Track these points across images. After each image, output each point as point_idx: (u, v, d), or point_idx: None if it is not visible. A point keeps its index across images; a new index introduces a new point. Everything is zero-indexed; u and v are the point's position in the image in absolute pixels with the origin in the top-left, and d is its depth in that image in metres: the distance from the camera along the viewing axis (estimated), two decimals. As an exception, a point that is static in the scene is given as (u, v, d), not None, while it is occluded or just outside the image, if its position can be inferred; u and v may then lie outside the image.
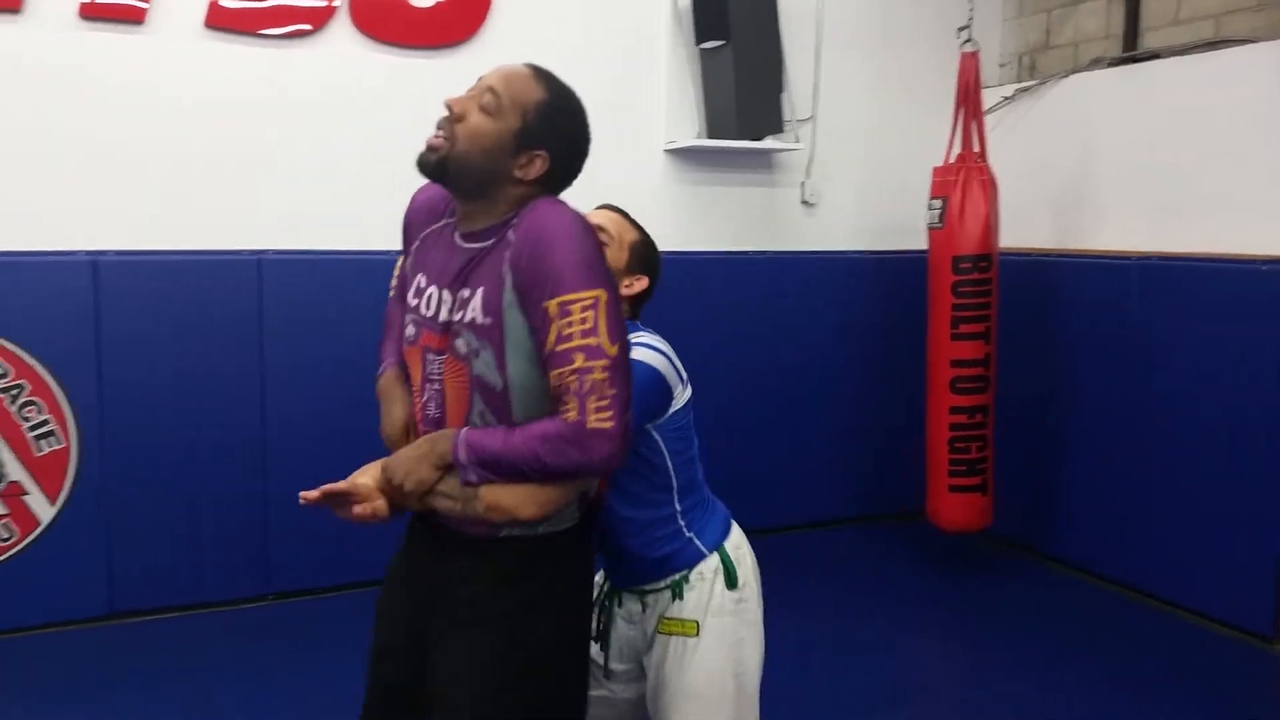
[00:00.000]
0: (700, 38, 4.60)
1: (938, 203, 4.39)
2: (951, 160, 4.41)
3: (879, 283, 5.12)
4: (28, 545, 3.81)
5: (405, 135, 4.20)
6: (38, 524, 3.81)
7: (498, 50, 4.36)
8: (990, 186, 4.33)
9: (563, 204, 1.67)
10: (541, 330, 1.54)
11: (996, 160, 4.39)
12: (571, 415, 1.50)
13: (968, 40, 4.34)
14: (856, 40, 5.04)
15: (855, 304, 5.11)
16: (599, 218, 2.05)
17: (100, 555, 3.89)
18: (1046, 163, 4.83)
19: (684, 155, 4.78)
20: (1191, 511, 4.07)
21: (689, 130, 4.75)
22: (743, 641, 2.00)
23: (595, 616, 2.02)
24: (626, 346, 1.56)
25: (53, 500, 3.82)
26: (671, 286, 2.42)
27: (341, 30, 4.11)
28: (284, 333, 4.08)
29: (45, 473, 3.81)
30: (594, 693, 2.05)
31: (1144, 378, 4.25)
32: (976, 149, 4.36)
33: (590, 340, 1.49)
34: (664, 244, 4.91)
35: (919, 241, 4.59)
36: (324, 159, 4.15)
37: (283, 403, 4.10)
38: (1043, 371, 4.74)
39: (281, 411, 4.10)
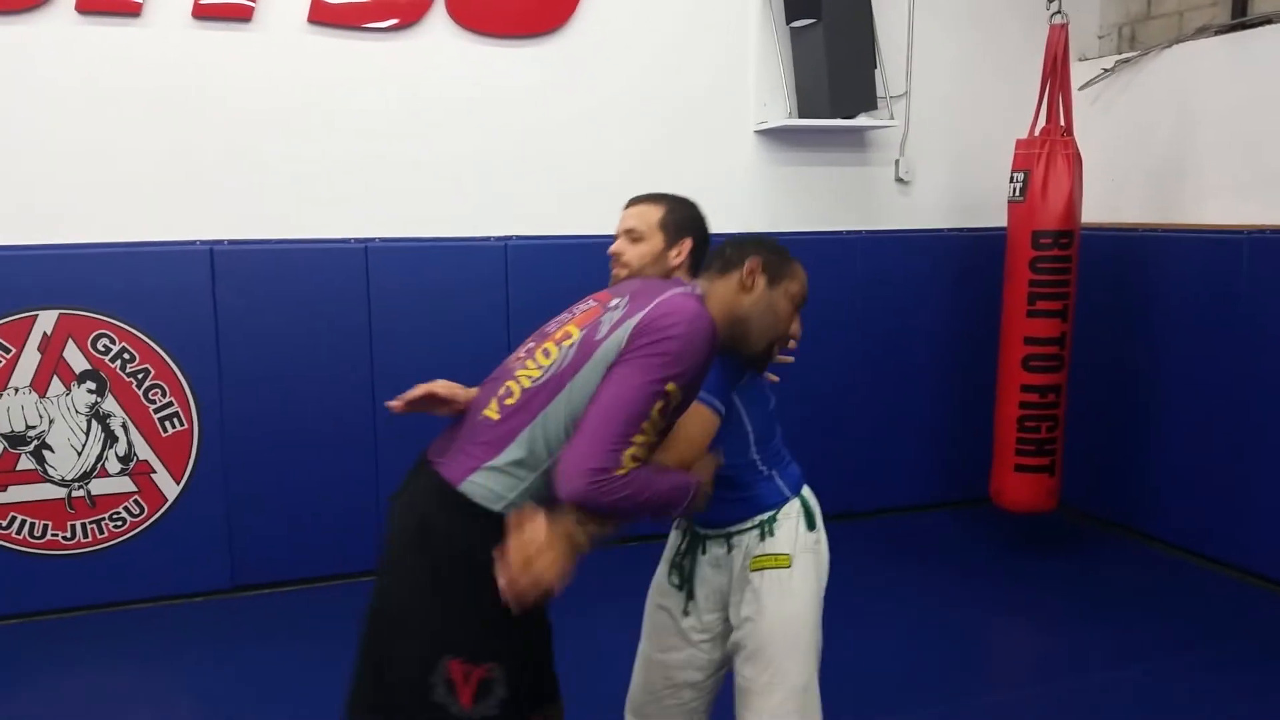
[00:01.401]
0: (791, 16, 4.60)
1: (1019, 176, 4.33)
2: (1036, 134, 4.34)
3: (967, 259, 5.07)
4: (155, 521, 4.03)
5: (499, 123, 4.38)
6: (164, 501, 4.04)
7: (588, 38, 4.43)
8: (1074, 160, 4.25)
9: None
10: None
11: (1094, 134, 4.32)
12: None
13: (1057, 12, 4.26)
14: (949, 14, 4.98)
15: (947, 282, 5.06)
16: (626, 219, 2.24)
17: (222, 531, 4.11)
18: (1146, 135, 4.72)
19: (775, 135, 4.79)
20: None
21: (780, 110, 4.75)
22: (820, 578, 2.17)
23: (676, 569, 2.22)
24: None
25: (178, 479, 4.04)
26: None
27: (438, 22, 4.23)
28: (391, 317, 4.23)
29: (170, 453, 4.03)
30: (679, 654, 2.23)
31: (1251, 354, 4.14)
32: (1062, 122, 4.28)
33: None
34: (755, 225, 4.99)
35: (1003, 218, 4.53)
36: (421, 149, 4.28)
37: (391, 385, 4.22)
38: (1134, 348, 4.65)
39: (390, 394, 4.23)
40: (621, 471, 1.70)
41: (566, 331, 1.89)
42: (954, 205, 5.11)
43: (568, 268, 4.40)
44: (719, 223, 4.76)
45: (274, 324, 4.10)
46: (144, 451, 4.00)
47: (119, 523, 4.00)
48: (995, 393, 4.50)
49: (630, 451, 1.72)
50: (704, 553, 2.18)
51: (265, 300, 4.09)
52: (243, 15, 3.97)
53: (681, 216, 2.21)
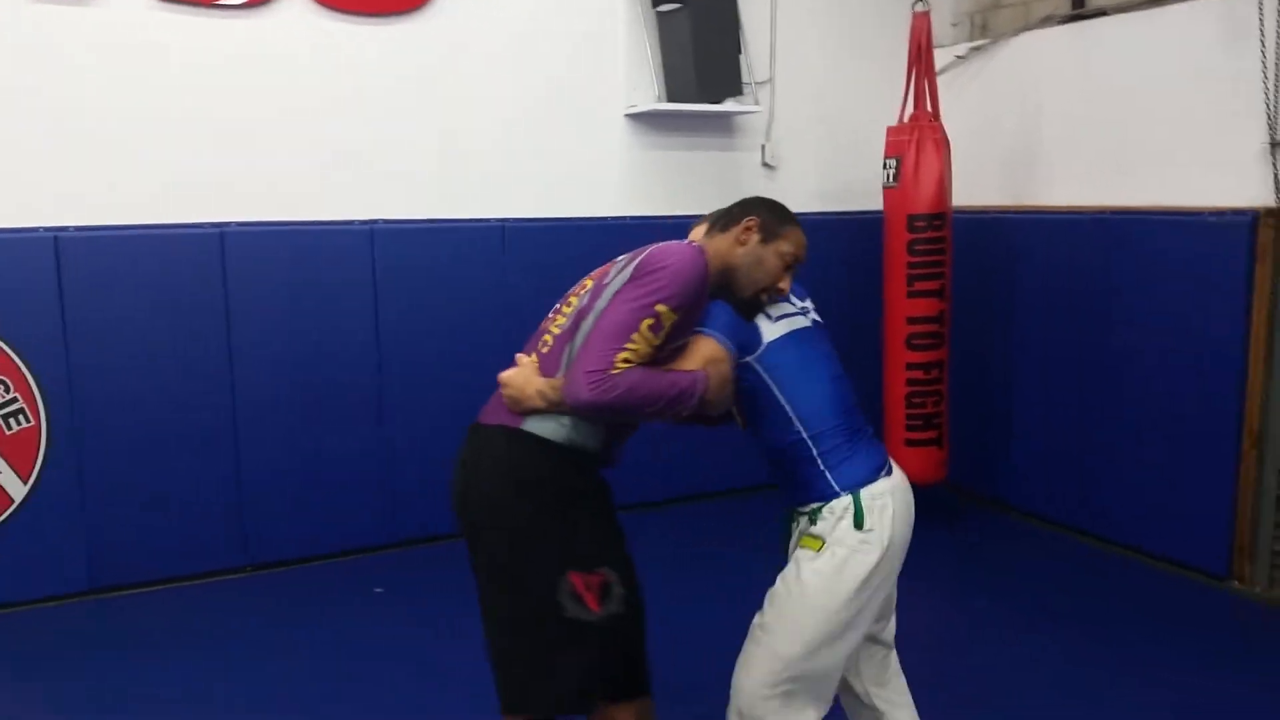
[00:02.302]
0: (657, 0, 4.62)
1: (892, 162, 4.46)
2: (905, 120, 4.48)
3: (839, 244, 5.19)
4: (2, 523, 3.82)
5: (351, 102, 4.27)
6: (11, 503, 3.82)
7: (453, 17, 4.37)
8: (943, 145, 4.41)
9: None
10: None
11: (950, 119, 4.47)
12: None
13: (919, 0, 4.40)
14: (812, 1, 5.08)
15: (818, 266, 5.14)
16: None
17: (79, 531, 3.92)
18: (998, 121, 4.92)
19: (644, 119, 4.81)
20: (1147, 459, 4.21)
21: (649, 94, 4.78)
22: (853, 575, 2.14)
23: (782, 539, 2.34)
24: None
25: (25, 478, 3.83)
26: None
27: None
28: (249, 303, 4.10)
29: (15, 451, 3.81)
30: None
31: (1099, 328, 4.37)
32: (929, 108, 4.43)
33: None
34: (625, 209, 5.01)
35: (877, 202, 4.66)
36: (278, 130, 4.15)
37: (251, 378, 4.12)
38: (996, 326, 4.86)
39: (250, 386, 4.12)
40: (615, 371, 1.96)
41: (583, 284, 2.18)
42: (823, 190, 5.23)
43: (433, 252, 4.36)
44: (590, 206, 4.84)
45: (125, 313, 3.92)
46: (-14, 451, 3.78)
47: (-40, 527, 3.78)
48: (882, 371, 4.64)
49: (622, 355, 1.97)
50: (795, 522, 2.28)
51: (115, 288, 3.90)
52: (85, -11, 3.77)
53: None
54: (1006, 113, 4.89)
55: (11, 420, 3.80)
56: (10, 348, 3.76)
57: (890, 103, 4.56)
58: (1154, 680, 3.31)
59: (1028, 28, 4.84)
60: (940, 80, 4.54)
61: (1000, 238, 4.83)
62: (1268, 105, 3.76)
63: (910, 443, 4.52)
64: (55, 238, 3.80)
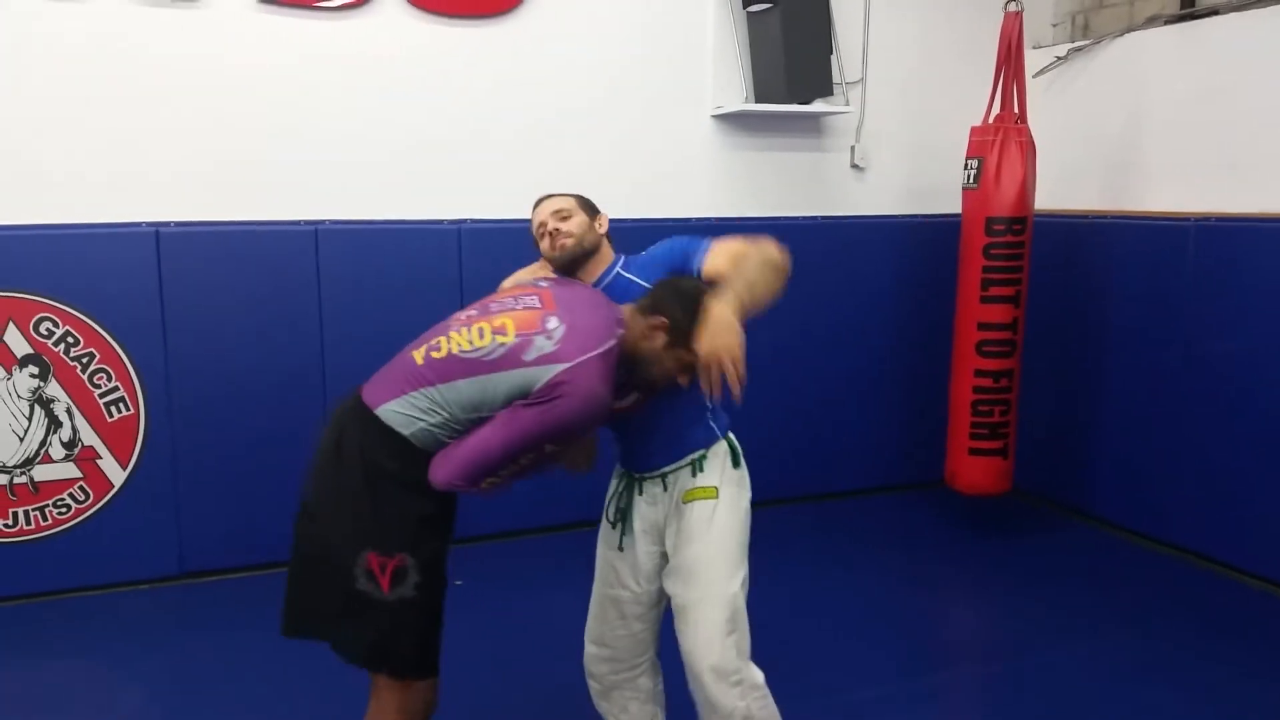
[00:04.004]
0: (747, 0, 4.59)
1: (973, 163, 4.36)
2: (990, 121, 4.38)
3: (923, 246, 5.10)
4: (101, 508, 3.96)
5: (449, 103, 4.33)
6: (111, 487, 3.97)
7: (543, 19, 4.40)
8: (1028, 148, 4.29)
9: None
10: None
11: (1047, 121, 4.36)
12: None
13: (1012, 0, 4.29)
14: (905, 1, 4.99)
15: (901, 268, 5.10)
16: (548, 205, 2.48)
17: (170, 517, 4.05)
18: (1099, 123, 4.77)
19: (732, 120, 4.78)
20: (1239, 471, 4.05)
21: (736, 95, 4.74)
22: (745, 509, 2.43)
23: (615, 508, 2.50)
24: None
25: (124, 465, 3.97)
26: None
27: (390, 1, 4.17)
28: (341, 300, 4.18)
29: (116, 438, 3.95)
30: (624, 591, 2.49)
31: (1195, 336, 4.21)
32: (1016, 110, 4.32)
33: None
34: (710, 210, 4.99)
35: (959, 204, 4.56)
36: (374, 131, 4.22)
37: (341, 368, 4.20)
38: (1084, 332, 4.72)
39: (339, 377, 4.20)
40: (476, 488, 2.16)
41: (504, 325, 2.16)
42: (909, 191, 5.14)
43: (521, 253, 4.38)
44: (675, 208, 4.83)
45: (222, 307, 4.03)
46: (89, 437, 3.92)
47: (63, 509, 3.92)
48: (949, 377, 4.54)
49: (490, 480, 2.16)
50: (640, 493, 2.46)
51: (213, 283, 4.02)
52: (189, -8, 3.90)
53: (588, 202, 2.49)
54: (1108, 114, 4.73)
55: (113, 408, 3.94)
56: (113, 339, 3.90)
57: (979, 104, 4.45)
58: (1226, 697, 3.18)
59: (1132, 28, 4.68)
60: (1039, 81, 4.43)
61: (1094, 242, 4.69)
62: (1390, 108, 3.58)
63: (974, 451, 4.42)
64: (157, 233, 3.93)
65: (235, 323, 4.06)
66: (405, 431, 2.15)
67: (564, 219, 2.41)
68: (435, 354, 2.18)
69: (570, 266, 2.42)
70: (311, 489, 2.27)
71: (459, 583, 4.03)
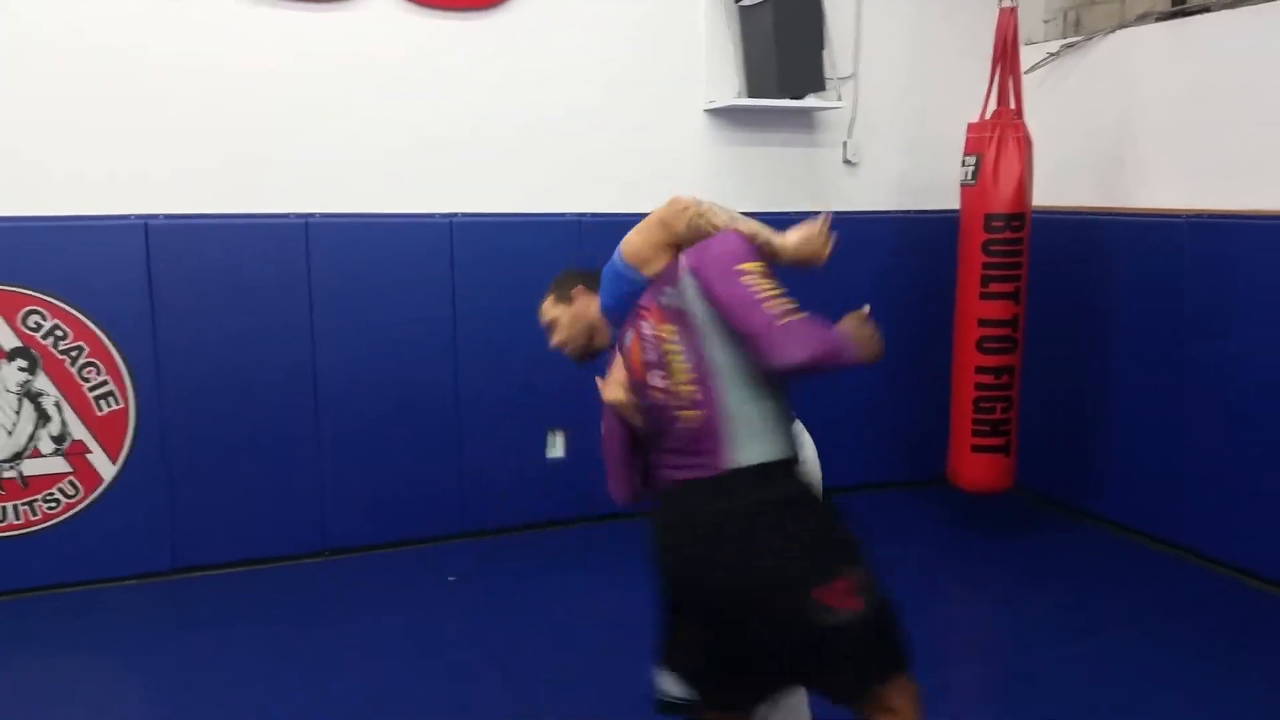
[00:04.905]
0: (740, -5, 4.59)
1: (971, 159, 4.36)
2: (987, 117, 4.38)
3: (917, 242, 5.10)
4: (92, 503, 3.94)
5: (442, 99, 4.31)
6: (101, 481, 3.95)
7: (534, 13, 4.38)
8: (1025, 144, 4.29)
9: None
10: None
11: (1040, 117, 4.36)
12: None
13: (1007, -4, 4.30)
14: (898, -3, 5.00)
15: (895, 265, 5.09)
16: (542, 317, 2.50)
17: (163, 512, 4.03)
18: (1090, 119, 4.78)
19: (724, 115, 4.78)
20: (1238, 469, 4.06)
21: (729, 90, 4.74)
22: None
23: None
24: None
25: (114, 459, 3.95)
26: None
27: (384, -6, 4.16)
28: (332, 293, 4.17)
29: (106, 432, 3.93)
30: None
31: (1191, 333, 4.22)
32: (1013, 106, 4.32)
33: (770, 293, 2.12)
34: (706, 205, 4.90)
35: (957, 200, 4.56)
36: (364, 124, 4.21)
37: (332, 361, 4.19)
38: (1083, 329, 4.72)
39: (331, 371, 4.19)
40: (797, 315, 2.03)
41: (658, 332, 2.13)
42: (903, 187, 5.14)
43: (513, 245, 4.38)
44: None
45: (212, 300, 4.01)
46: (79, 431, 3.90)
47: (53, 504, 3.90)
48: (951, 374, 4.54)
49: (781, 304, 2.04)
50: None
51: (203, 276, 4.00)
52: (182, -17, 3.87)
53: (562, 293, 2.46)
54: (1099, 111, 4.74)
55: (103, 402, 3.92)
56: (103, 332, 3.88)
57: (974, 100, 4.45)
58: (1229, 698, 3.18)
59: (1124, 25, 4.69)
60: (1031, 78, 4.42)
61: (1089, 239, 4.69)
62: (1380, 106, 3.59)
63: (976, 448, 4.41)
64: (146, 225, 3.91)
65: (226, 316, 4.03)
66: (776, 455, 2.09)
67: (551, 334, 2.45)
68: (692, 401, 2.07)
69: (592, 356, 2.45)
70: (727, 599, 2.06)
71: (452, 579, 4.08)
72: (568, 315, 2.41)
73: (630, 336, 2.20)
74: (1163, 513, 4.42)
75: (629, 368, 2.19)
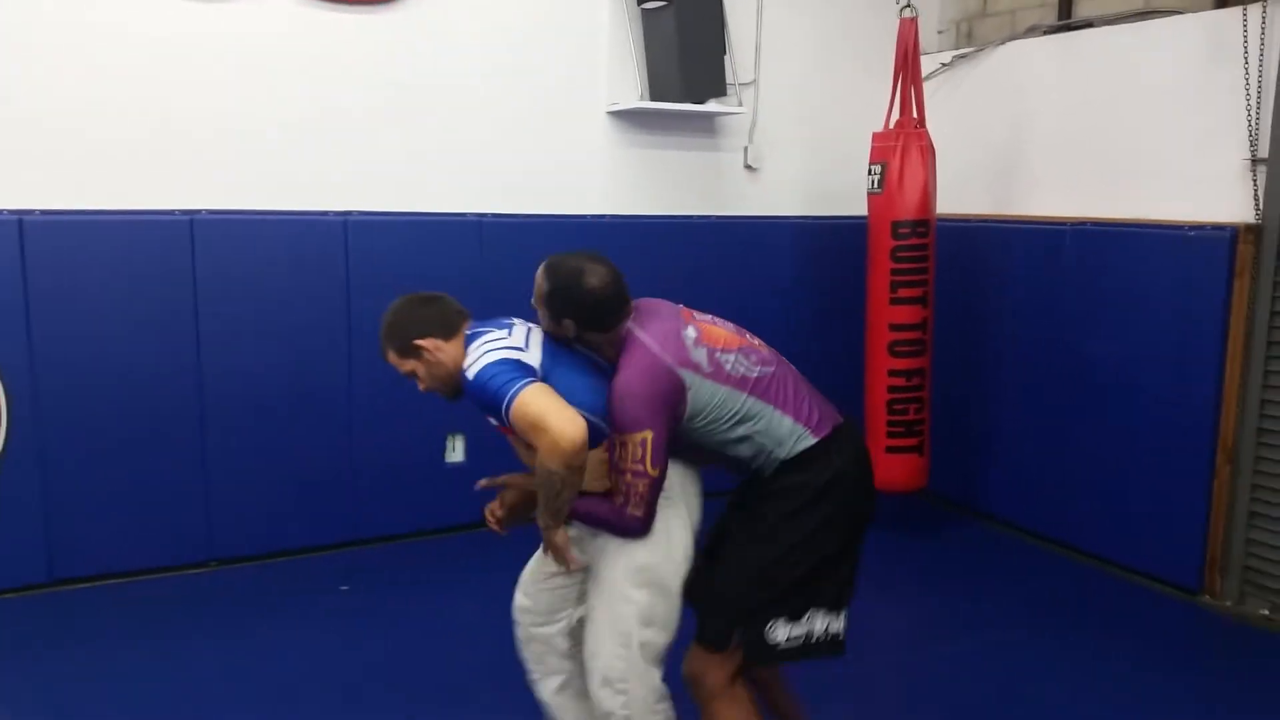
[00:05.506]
0: (642, -2, 4.59)
1: (877, 168, 4.44)
2: (891, 126, 4.46)
3: (821, 248, 5.17)
4: (-41, 513, 3.74)
5: (323, 92, 4.20)
6: (-32, 491, 3.74)
7: (432, 8, 4.31)
8: (929, 152, 4.39)
9: (635, 348, 2.27)
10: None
11: (934, 127, 4.45)
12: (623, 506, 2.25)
13: (906, 5, 4.37)
14: (799, 4, 5.05)
15: (798, 269, 5.16)
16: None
17: (38, 520, 3.84)
18: (983, 129, 4.91)
19: (627, 117, 4.77)
20: (1122, 471, 4.21)
21: (631, 92, 4.73)
22: (670, 530, 2.39)
23: None
24: (664, 471, 2.24)
25: (-16, 467, 3.75)
26: (613, 250, 2.48)
27: (277, -14, 4.03)
28: (220, 294, 4.02)
29: (-25, 439, 3.73)
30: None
31: (1078, 339, 4.36)
32: (915, 115, 4.41)
33: (638, 466, 2.19)
34: (606, 207, 4.96)
35: (861, 207, 4.63)
36: (256, 118, 4.08)
37: (218, 365, 4.05)
38: (977, 335, 4.85)
39: (218, 374, 4.05)
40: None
41: (750, 344, 2.53)
42: (805, 193, 5.20)
43: (410, 245, 4.30)
44: (570, 203, 4.78)
45: (91, 300, 3.83)
46: (-55, 438, 3.69)
47: (-84, 515, 3.69)
48: (864, 377, 4.60)
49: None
50: None
51: (81, 275, 3.81)
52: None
53: (397, 339, 2.44)
54: (991, 121, 4.88)
55: (-29, 407, 3.72)
56: (-28, 332, 3.68)
57: (875, 108, 4.53)
58: (1115, 691, 3.30)
59: (1014, 37, 4.83)
60: (925, 87, 4.51)
61: (983, 246, 4.82)
62: (1250, 121, 3.76)
63: (891, 449, 4.50)
64: (20, 221, 3.72)
65: (106, 317, 3.86)
66: None
67: (417, 382, 2.43)
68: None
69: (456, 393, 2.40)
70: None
71: (344, 588, 3.97)
72: (423, 369, 2.38)
73: (676, 333, 2.35)
74: (1048, 513, 4.57)
75: (710, 344, 2.38)
